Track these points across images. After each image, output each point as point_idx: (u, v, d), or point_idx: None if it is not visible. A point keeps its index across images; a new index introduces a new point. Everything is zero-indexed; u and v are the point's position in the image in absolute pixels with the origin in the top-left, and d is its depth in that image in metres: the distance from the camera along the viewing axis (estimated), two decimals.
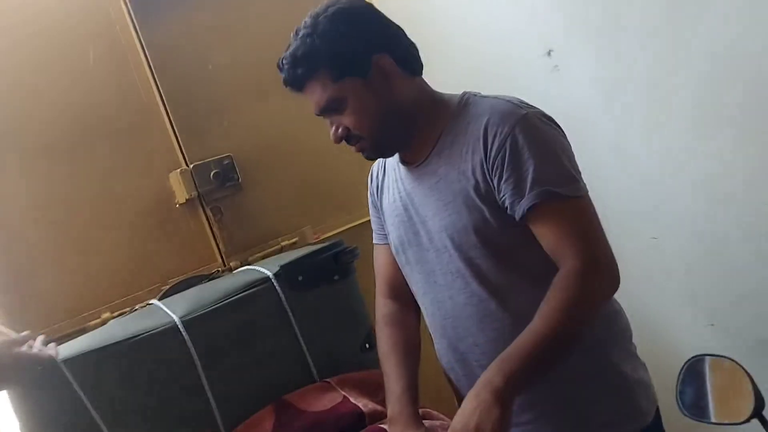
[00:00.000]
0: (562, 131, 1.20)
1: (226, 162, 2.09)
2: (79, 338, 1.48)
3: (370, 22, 1.22)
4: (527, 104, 1.19)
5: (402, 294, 1.34)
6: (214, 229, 2.09)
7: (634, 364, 1.28)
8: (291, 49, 1.18)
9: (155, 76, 2.04)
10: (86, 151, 1.92)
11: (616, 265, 1.13)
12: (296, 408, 1.45)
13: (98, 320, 1.83)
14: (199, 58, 2.12)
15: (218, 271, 1.83)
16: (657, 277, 1.91)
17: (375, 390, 1.53)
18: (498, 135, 1.13)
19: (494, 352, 1.17)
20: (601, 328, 1.23)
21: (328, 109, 1.20)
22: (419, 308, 1.34)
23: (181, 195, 2.04)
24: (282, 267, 1.58)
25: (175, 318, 1.45)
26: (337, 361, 1.50)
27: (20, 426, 1.34)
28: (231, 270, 1.96)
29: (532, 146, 1.12)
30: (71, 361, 1.35)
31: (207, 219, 2.09)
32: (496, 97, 1.21)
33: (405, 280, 1.33)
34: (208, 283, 1.70)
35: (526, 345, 1.05)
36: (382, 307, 1.35)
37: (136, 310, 1.63)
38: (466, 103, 1.22)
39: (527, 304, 1.12)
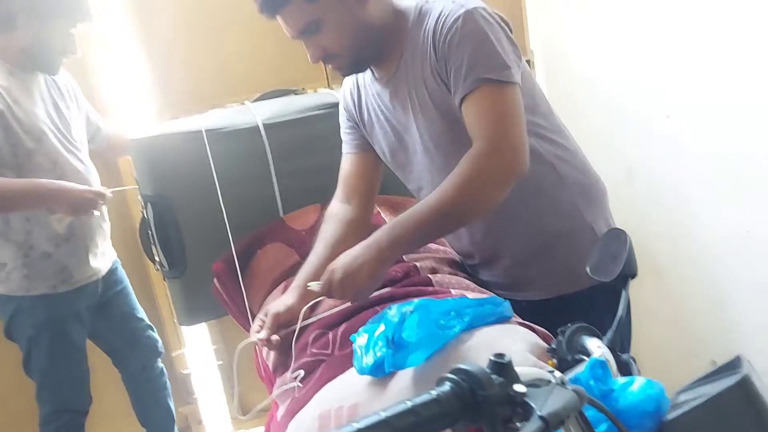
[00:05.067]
0: (504, 25, 1.29)
1: None
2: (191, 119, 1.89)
3: None
4: (473, 1, 1.27)
5: (353, 199, 1.52)
6: None
7: (608, 223, 1.46)
8: None
9: None
10: None
11: (521, 152, 1.21)
12: None
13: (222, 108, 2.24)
14: None
15: (303, 89, 2.15)
16: None
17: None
18: (442, 36, 1.25)
19: (484, 227, 1.43)
20: (577, 195, 1.42)
21: (305, 32, 1.28)
22: (368, 215, 1.53)
23: None
24: None
25: (259, 121, 1.81)
26: (384, 185, 1.68)
27: None
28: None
29: (468, 39, 1.23)
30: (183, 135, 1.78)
31: None
32: (444, 1, 1.29)
33: (363, 189, 1.52)
34: (294, 96, 2.03)
35: (417, 215, 1.22)
36: (331, 206, 1.54)
37: (232, 107, 2.02)
38: (420, 11, 1.32)
39: None
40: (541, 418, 0.59)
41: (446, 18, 1.26)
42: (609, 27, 2.20)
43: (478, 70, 1.23)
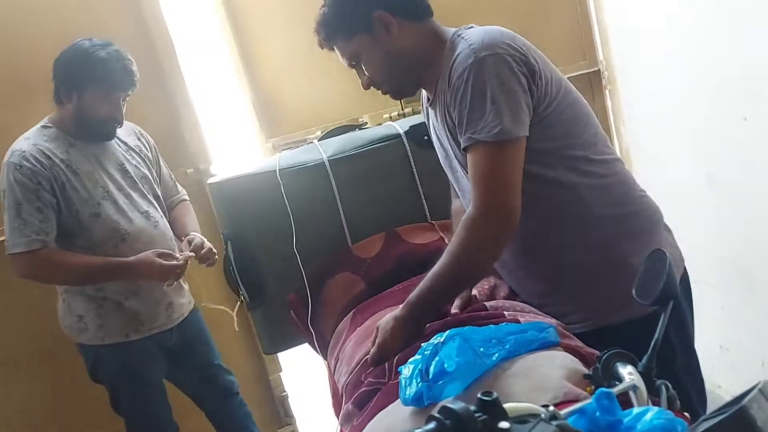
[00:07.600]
0: (521, 66, 1.27)
1: None
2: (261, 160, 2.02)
3: None
4: (489, 43, 1.27)
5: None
6: None
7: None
8: (315, 20, 1.42)
9: None
10: None
11: (510, 211, 1.26)
12: (402, 238, 1.86)
13: (313, 135, 2.40)
14: None
15: (365, 123, 2.23)
16: None
17: None
18: (451, 83, 1.30)
19: (513, 265, 1.49)
20: (611, 228, 1.40)
21: (352, 65, 1.44)
22: None
23: None
24: (411, 127, 1.92)
25: (324, 157, 1.91)
26: (446, 211, 1.74)
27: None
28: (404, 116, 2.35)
29: (469, 94, 1.27)
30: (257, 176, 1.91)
31: None
32: (469, 38, 1.32)
33: None
34: (357, 132, 2.11)
35: (428, 282, 1.33)
36: (453, 204, 1.66)
37: (301, 146, 2.12)
38: (452, 45, 1.36)
39: None
40: None
41: (458, 65, 1.30)
42: (683, 31, 2.13)
43: (472, 128, 1.28)
